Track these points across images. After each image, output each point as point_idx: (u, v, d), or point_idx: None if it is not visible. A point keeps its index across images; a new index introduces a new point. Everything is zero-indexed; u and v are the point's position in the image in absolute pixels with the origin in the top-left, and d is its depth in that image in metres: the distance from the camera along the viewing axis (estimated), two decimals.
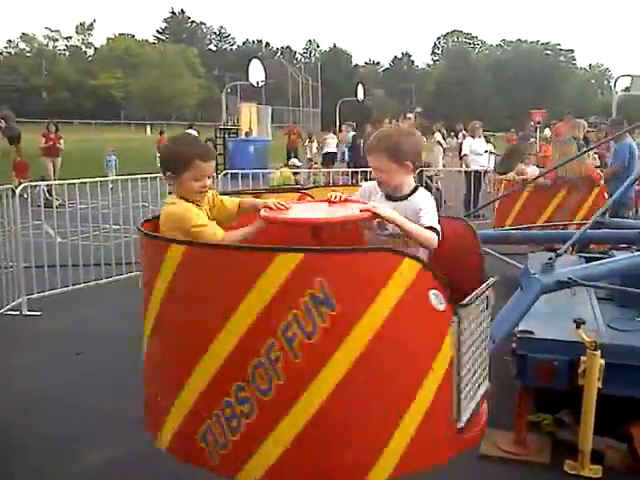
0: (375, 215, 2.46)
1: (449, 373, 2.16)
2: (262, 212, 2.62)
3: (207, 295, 2.06)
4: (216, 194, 2.81)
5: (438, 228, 2.57)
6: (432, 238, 2.52)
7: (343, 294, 1.95)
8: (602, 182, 7.53)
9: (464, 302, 2.22)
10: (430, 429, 2.11)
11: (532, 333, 3.71)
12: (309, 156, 20.72)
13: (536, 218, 7.18)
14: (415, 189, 2.72)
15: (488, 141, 14.80)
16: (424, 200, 2.68)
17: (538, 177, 7.17)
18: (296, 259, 1.94)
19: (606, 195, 7.24)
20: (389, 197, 2.73)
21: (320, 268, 1.96)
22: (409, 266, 2.02)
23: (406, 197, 2.70)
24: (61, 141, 16.90)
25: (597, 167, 9.56)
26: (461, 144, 15.27)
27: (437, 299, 2.09)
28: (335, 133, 23.31)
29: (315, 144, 22.55)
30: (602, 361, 3.46)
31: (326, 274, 1.94)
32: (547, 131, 19.86)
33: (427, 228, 2.53)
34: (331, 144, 21.14)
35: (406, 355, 2.06)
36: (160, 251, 2.17)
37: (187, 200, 2.62)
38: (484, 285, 2.43)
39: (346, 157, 20.95)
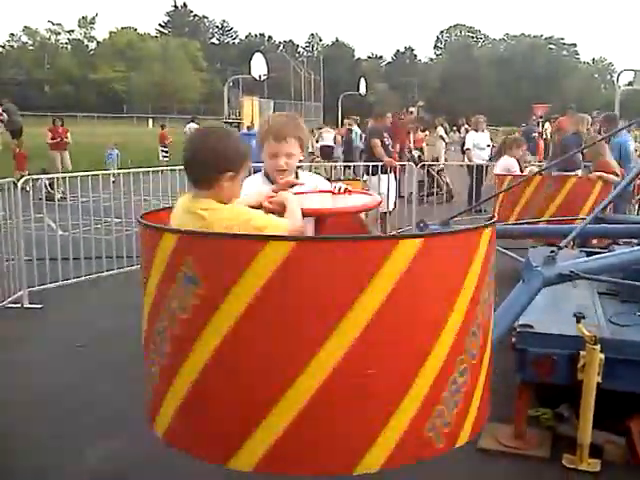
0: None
1: None
2: (264, 203, 2.60)
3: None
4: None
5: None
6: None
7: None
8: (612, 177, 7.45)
9: None
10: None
11: (532, 327, 3.71)
12: (310, 150, 20.69)
13: (540, 213, 7.10)
14: (297, 175, 2.86)
15: (492, 137, 14.83)
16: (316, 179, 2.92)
17: (540, 171, 7.11)
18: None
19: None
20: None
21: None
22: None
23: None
24: (68, 135, 16.96)
25: None
26: (464, 138, 15.29)
27: None
28: (338, 127, 23.32)
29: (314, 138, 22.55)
30: (602, 355, 3.47)
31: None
32: (547, 125, 19.81)
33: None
34: (327, 138, 21.10)
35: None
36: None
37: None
38: None
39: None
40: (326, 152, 19.42)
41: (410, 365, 1.94)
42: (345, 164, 13.32)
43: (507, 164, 8.39)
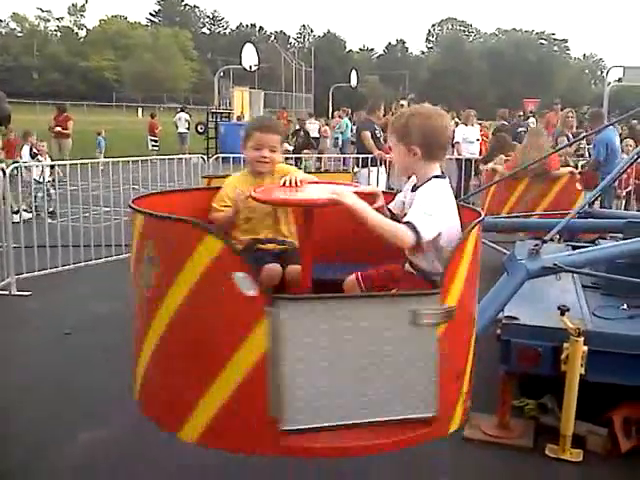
0: (336, 202, 2.30)
1: (264, 366, 2.00)
2: (252, 193, 2.64)
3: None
4: (289, 169, 3.12)
5: (418, 225, 2.30)
6: (402, 234, 2.29)
7: (164, 256, 2.17)
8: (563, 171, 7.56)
9: (290, 296, 2.20)
10: (238, 413, 2.05)
11: (517, 319, 3.75)
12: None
13: (531, 209, 7.15)
14: (429, 180, 2.50)
15: (482, 130, 14.83)
16: (424, 193, 2.45)
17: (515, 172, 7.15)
18: (140, 221, 2.30)
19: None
20: (413, 187, 2.58)
21: (151, 231, 2.25)
22: (212, 243, 2.02)
23: (419, 187, 2.52)
24: (69, 124, 16.84)
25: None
26: (454, 132, 15.30)
27: (244, 282, 1.99)
28: (329, 118, 23.30)
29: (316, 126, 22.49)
30: (585, 348, 3.51)
31: (154, 237, 2.22)
32: (532, 120, 19.84)
33: (404, 223, 2.33)
34: (313, 130, 21.08)
35: (214, 328, 2.06)
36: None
37: (251, 174, 3.12)
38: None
39: (339, 143, 20.94)
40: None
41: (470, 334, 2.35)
42: (335, 156, 13.31)
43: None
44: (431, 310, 2.04)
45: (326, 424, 2.04)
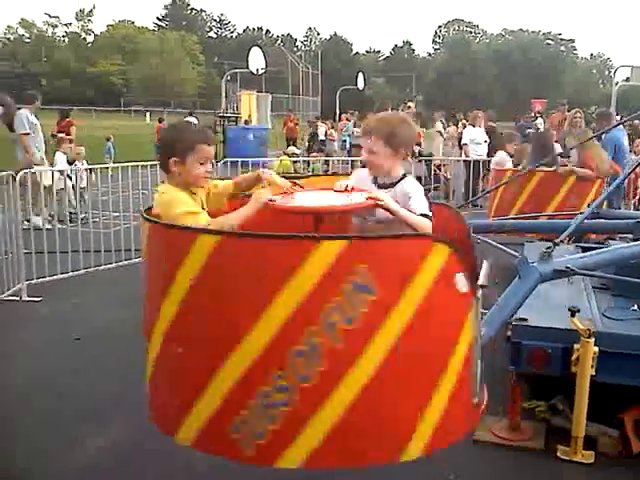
0: (378, 204, 2.50)
1: (471, 352, 2.26)
2: (265, 200, 2.62)
3: (241, 286, 2.03)
4: (209, 181, 2.81)
5: (430, 215, 2.60)
6: (427, 225, 2.55)
7: (382, 280, 2.01)
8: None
9: (481, 283, 2.31)
10: (455, 407, 2.20)
11: (527, 320, 3.75)
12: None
13: (541, 210, 7.09)
14: (403, 176, 2.76)
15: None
16: (413, 187, 2.71)
17: (538, 166, 7.10)
18: (340, 246, 1.98)
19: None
20: (379, 184, 2.76)
21: (362, 254, 2.02)
22: (440, 250, 2.12)
23: (395, 184, 2.74)
24: (72, 129, 16.83)
25: None
26: (461, 133, 15.26)
27: (462, 281, 2.18)
28: (336, 121, 23.29)
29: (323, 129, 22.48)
30: (596, 349, 3.51)
31: (367, 260, 2.00)
32: (540, 120, 19.78)
33: (420, 215, 2.57)
34: (320, 133, 21.07)
35: (437, 337, 2.15)
36: (184, 242, 2.11)
37: (184, 188, 2.62)
38: (487, 265, 2.47)
39: (347, 145, 20.93)
40: (319, 146, 19.44)
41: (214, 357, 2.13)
42: (342, 158, 13.31)
43: (501, 159, 8.42)
44: None
45: None
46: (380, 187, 2.74)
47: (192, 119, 23.04)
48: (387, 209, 2.52)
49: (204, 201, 2.74)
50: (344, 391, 2.01)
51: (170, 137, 2.74)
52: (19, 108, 10.35)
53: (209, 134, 2.80)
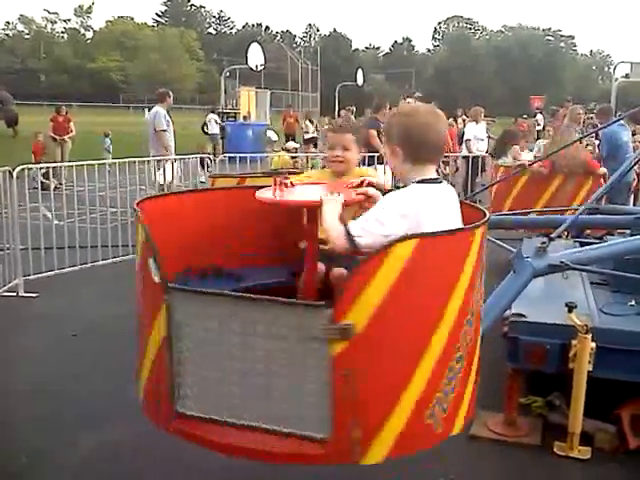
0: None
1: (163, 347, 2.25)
2: (257, 194, 2.62)
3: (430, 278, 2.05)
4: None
5: (354, 231, 2.19)
6: (335, 236, 2.24)
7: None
8: (602, 170, 7.50)
9: (181, 287, 2.21)
10: (153, 390, 2.31)
11: (524, 316, 3.74)
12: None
13: (533, 204, 7.16)
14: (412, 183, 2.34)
15: (488, 128, 14.79)
16: (388, 198, 2.32)
17: (533, 163, 7.15)
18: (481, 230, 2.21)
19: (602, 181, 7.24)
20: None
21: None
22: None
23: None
24: (71, 124, 16.77)
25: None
26: (461, 130, 15.26)
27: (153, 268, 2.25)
28: (335, 117, 23.25)
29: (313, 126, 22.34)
30: (593, 344, 3.50)
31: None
32: (539, 117, 19.78)
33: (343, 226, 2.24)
34: (312, 129, 21.00)
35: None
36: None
37: None
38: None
39: None
40: (310, 143, 19.35)
41: (411, 357, 2.03)
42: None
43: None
44: (318, 325, 1.91)
45: (215, 417, 2.08)
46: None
47: (214, 116, 22.43)
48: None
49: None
50: (476, 351, 2.29)
51: None
52: (152, 106, 10.46)
53: (336, 123, 3.16)
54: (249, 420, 2.03)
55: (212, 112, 22.85)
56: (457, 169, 13.18)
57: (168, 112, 10.33)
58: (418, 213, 2.20)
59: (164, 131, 9.93)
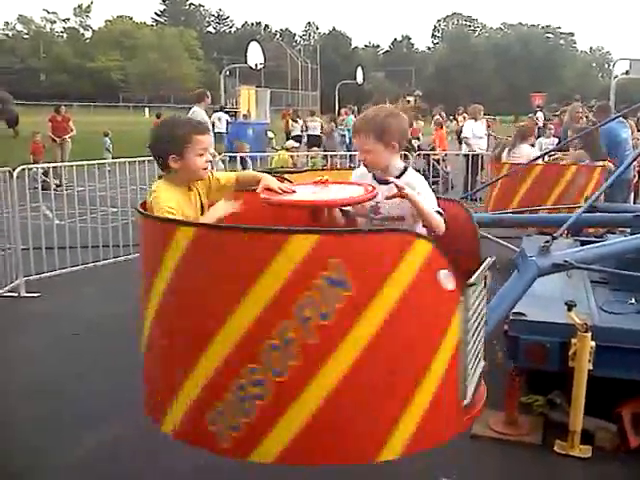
0: (402, 194, 2.48)
1: (457, 352, 2.19)
2: (262, 195, 2.59)
3: (218, 278, 2.03)
4: (211, 173, 2.74)
5: (442, 212, 2.56)
6: (441, 222, 2.52)
7: (358, 275, 1.96)
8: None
9: (470, 281, 2.24)
10: (439, 409, 2.14)
11: (524, 315, 3.74)
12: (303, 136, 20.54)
13: (542, 201, 7.06)
14: (405, 170, 2.70)
15: (489, 125, 14.82)
16: (418, 181, 2.65)
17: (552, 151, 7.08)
18: (312, 240, 1.94)
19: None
20: (379, 180, 2.68)
21: (336, 249, 1.97)
22: (421, 246, 2.05)
23: (397, 178, 2.65)
24: (70, 123, 16.69)
25: None
26: (461, 128, 15.27)
27: (447, 278, 2.12)
28: (336, 115, 23.22)
29: (299, 125, 22.06)
30: (593, 343, 3.50)
31: (342, 255, 1.95)
32: (540, 115, 19.77)
33: (437, 212, 2.54)
34: (315, 127, 20.90)
35: (418, 336, 2.08)
36: (165, 234, 2.11)
37: (182, 184, 2.60)
38: (485, 264, 2.43)
39: (346, 140, 20.86)
40: (313, 141, 19.30)
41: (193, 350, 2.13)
42: (341, 153, 13.31)
43: (528, 152, 8.32)
44: None
45: None
46: (381, 183, 2.66)
47: (223, 115, 22.18)
48: (411, 200, 2.48)
49: (202, 194, 2.69)
50: (318, 387, 1.98)
51: (164, 133, 2.65)
52: (191, 107, 10.46)
53: (203, 123, 2.75)
54: None
55: (220, 110, 22.53)
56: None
57: (206, 112, 10.29)
58: None
59: None
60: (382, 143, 2.62)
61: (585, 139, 7.90)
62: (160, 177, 2.67)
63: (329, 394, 1.99)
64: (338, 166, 11.74)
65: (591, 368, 3.52)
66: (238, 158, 10.22)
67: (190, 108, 23.36)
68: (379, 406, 2.07)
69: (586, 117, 11.56)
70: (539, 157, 6.57)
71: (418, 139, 16.70)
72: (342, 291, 1.95)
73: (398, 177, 2.65)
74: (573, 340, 3.52)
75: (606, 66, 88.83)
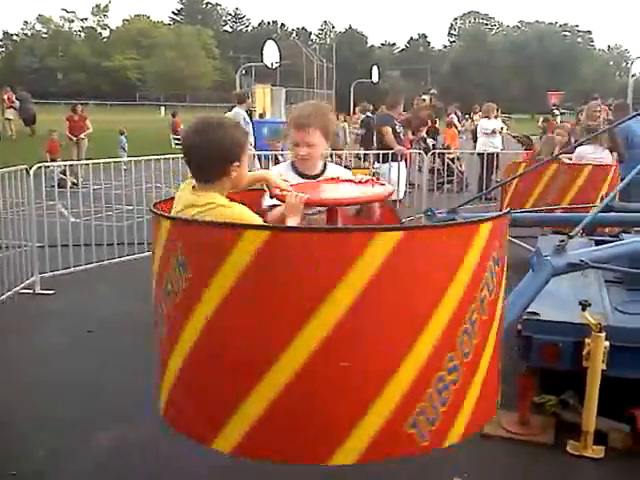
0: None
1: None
2: (275, 192, 2.57)
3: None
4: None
5: None
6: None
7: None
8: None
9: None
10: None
11: (538, 315, 3.72)
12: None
13: (559, 200, 7.02)
14: (325, 164, 2.83)
15: (504, 122, 14.74)
16: (343, 172, 2.83)
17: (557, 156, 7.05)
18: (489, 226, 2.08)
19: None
20: (306, 176, 2.75)
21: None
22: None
23: (321, 174, 2.79)
24: (87, 122, 16.83)
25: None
26: (477, 126, 15.21)
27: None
28: (350, 114, 23.18)
29: None
30: (607, 343, 3.48)
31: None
32: (556, 112, 19.68)
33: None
34: None
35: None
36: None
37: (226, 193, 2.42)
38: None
39: (359, 139, 20.81)
40: None
41: (389, 360, 1.93)
42: (355, 152, 13.27)
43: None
44: None
45: None
46: (306, 179, 2.73)
47: (240, 111, 22.03)
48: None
49: None
50: (486, 358, 2.13)
51: (224, 139, 2.33)
52: (233, 107, 10.52)
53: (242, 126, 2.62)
54: None
55: (235, 107, 22.32)
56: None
57: (247, 112, 10.33)
58: None
59: None
60: (325, 138, 2.73)
61: (612, 140, 7.88)
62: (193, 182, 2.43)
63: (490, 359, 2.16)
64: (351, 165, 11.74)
65: (604, 368, 3.50)
66: (253, 156, 10.22)
67: (204, 107, 23.25)
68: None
69: (606, 114, 11.47)
70: (552, 158, 6.52)
71: (434, 138, 16.65)
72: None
73: (322, 172, 2.78)
74: (587, 340, 3.50)
75: (624, 64, 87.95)
